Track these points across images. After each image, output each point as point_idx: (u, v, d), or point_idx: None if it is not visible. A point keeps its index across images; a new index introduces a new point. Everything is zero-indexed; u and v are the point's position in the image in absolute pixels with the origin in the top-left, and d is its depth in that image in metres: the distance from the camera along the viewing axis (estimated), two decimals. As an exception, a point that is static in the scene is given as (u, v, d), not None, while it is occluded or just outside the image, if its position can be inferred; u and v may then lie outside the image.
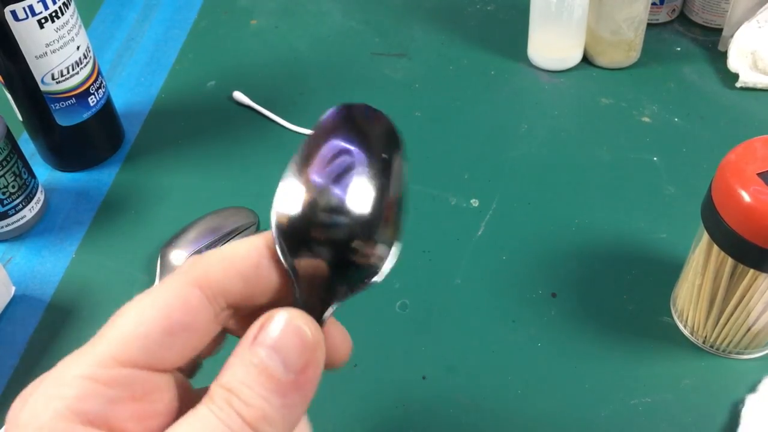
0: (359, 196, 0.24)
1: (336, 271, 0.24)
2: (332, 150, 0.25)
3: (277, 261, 0.24)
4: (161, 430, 0.21)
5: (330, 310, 0.23)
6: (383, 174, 0.25)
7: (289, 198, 0.24)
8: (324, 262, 0.24)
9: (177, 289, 0.22)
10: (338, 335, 0.25)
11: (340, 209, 0.24)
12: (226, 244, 0.24)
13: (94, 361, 0.21)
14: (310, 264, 0.24)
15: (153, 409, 0.22)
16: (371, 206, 0.24)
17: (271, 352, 0.21)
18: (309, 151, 0.25)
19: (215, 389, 0.21)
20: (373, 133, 0.25)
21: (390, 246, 0.24)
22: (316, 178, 0.24)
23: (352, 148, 0.25)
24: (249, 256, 0.23)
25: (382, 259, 0.24)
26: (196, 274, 0.23)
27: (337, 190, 0.24)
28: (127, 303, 0.22)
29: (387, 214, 0.24)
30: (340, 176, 0.24)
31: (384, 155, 0.25)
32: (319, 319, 0.23)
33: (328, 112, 0.25)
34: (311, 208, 0.24)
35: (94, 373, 0.21)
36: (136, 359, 0.21)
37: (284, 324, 0.21)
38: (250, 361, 0.21)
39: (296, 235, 0.24)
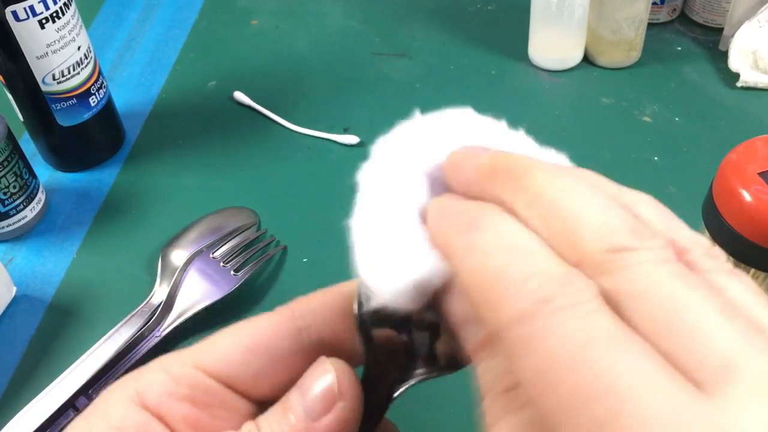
0: None
1: (419, 350, 0.22)
2: None
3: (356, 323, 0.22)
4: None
5: (403, 386, 0.22)
6: None
7: None
8: (407, 336, 0.22)
9: (272, 316, 0.23)
10: None
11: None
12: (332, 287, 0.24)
13: (176, 360, 0.22)
14: (389, 333, 0.22)
15: (212, 424, 0.22)
16: None
17: (297, 395, 0.22)
18: None
19: (247, 425, 0.22)
20: None
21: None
22: None
23: None
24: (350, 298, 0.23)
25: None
26: (298, 305, 0.23)
27: None
28: None
29: None
30: None
31: None
32: (385, 400, 0.22)
33: None
34: None
35: (171, 369, 0.22)
36: (214, 369, 0.22)
37: (318, 371, 0.22)
38: (282, 404, 0.22)
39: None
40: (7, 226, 0.54)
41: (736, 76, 0.62)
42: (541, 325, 0.15)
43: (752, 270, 0.38)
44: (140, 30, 0.73)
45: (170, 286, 0.47)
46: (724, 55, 0.64)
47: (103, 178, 0.59)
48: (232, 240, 0.51)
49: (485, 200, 0.19)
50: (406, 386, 0.22)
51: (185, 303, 0.47)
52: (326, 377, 0.21)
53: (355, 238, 0.22)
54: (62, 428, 0.41)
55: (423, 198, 0.22)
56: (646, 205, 0.19)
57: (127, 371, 0.38)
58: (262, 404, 0.23)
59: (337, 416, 0.21)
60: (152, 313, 0.46)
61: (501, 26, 0.70)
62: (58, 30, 0.51)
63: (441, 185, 0.22)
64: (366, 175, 0.23)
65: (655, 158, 0.57)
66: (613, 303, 0.16)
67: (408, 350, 0.22)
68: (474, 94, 0.64)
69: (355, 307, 0.22)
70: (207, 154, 0.60)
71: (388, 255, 0.21)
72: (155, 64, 0.69)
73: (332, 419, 0.21)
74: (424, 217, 0.21)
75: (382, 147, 0.23)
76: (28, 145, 0.60)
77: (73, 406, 0.42)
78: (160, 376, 0.22)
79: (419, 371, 0.22)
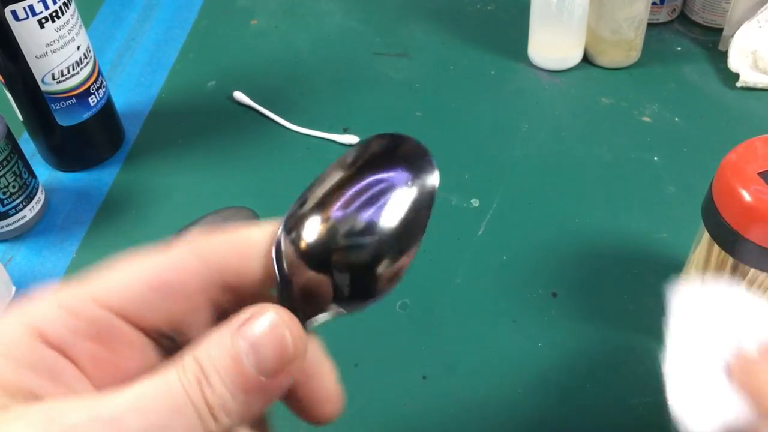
0: (381, 219, 0.23)
1: (336, 288, 0.23)
2: (367, 172, 0.24)
3: (272, 259, 0.23)
4: (115, 383, 0.21)
5: (316, 321, 0.23)
6: (410, 204, 0.24)
7: (309, 205, 0.23)
8: (326, 276, 0.23)
9: (175, 252, 0.22)
10: (327, 390, 0.25)
11: (358, 228, 0.23)
12: (240, 224, 0.24)
13: (72, 295, 0.21)
14: (309, 273, 0.23)
15: (116, 362, 0.21)
16: (389, 232, 0.23)
17: (249, 350, 0.20)
18: (343, 166, 0.24)
19: (189, 360, 0.20)
20: (408, 164, 0.25)
21: (396, 278, 0.23)
22: (345, 193, 0.24)
23: (386, 175, 0.24)
24: (259, 242, 0.23)
25: (386, 285, 0.23)
26: (200, 244, 0.22)
27: (361, 210, 0.23)
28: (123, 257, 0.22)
29: (403, 245, 0.24)
30: (368, 199, 0.24)
31: (414, 187, 0.24)
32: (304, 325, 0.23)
33: (372, 138, 0.25)
34: (328, 219, 0.23)
35: (68, 304, 0.21)
36: (113, 304, 0.21)
37: (270, 326, 0.21)
38: (228, 349, 0.20)
39: (304, 241, 0.23)
40: (7, 226, 0.54)
41: (736, 76, 0.62)
42: None
43: (752, 270, 0.38)
44: (140, 30, 0.73)
45: (169, 285, 0.47)
46: (724, 55, 0.64)
47: (103, 177, 0.59)
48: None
49: None
50: (323, 318, 0.23)
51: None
52: (280, 334, 0.21)
53: (668, 378, 0.29)
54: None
55: (728, 353, 0.28)
56: None
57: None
58: (157, 342, 0.23)
59: (290, 377, 0.21)
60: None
61: (501, 26, 0.70)
62: (58, 30, 0.51)
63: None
64: (676, 326, 0.31)
65: (655, 158, 0.57)
66: None
67: (321, 290, 0.23)
68: (474, 94, 0.64)
69: (273, 250, 0.23)
70: (206, 154, 0.60)
71: (701, 399, 0.27)
72: (155, 63, 0.69)
73: (285, 380, 0.21)
74: (730, 368, 0.28)
75: (686, 304, 0.33)
76: (28, 145, 0.60)
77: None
78: (57, 311, 0.21)
79: (330, 310, 0.23)
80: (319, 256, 0.23)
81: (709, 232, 0.39)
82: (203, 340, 0.21)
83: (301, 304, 0.23)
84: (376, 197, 0.24)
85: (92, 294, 0.21)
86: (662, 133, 0.59)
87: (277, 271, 0.23)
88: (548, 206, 0.54)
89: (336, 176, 0.24)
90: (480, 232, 0.52)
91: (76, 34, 0.53)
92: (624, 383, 0.44)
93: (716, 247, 0.39)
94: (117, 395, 0.19)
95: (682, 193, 0.54)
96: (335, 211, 0.23)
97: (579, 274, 0.49)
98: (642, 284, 0.48)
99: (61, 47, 0.52)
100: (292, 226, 0.23)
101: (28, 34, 0.50)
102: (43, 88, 0.53)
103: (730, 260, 0.38)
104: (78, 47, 0.54)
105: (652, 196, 0.54)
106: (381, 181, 0.24)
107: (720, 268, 0.40)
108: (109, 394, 0.19)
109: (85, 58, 0.55)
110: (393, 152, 0.25)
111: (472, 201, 0.54)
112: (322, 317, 0.23)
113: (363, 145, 0.24)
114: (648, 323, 0.46)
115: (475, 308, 0.48)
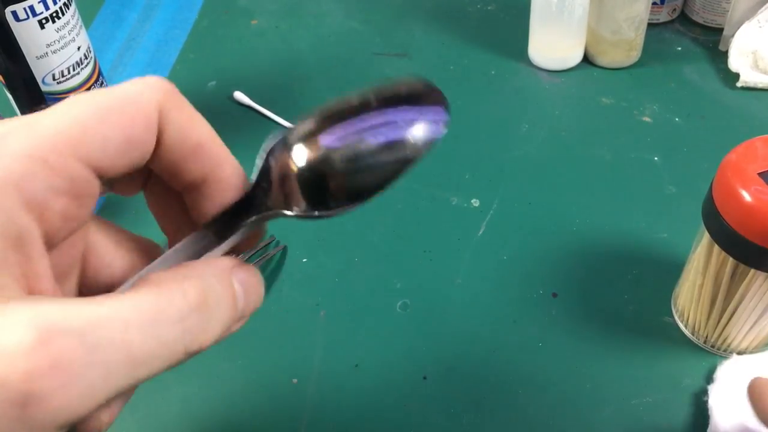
0: (365, 146, 0.25)
1: (302, 190, 0.25)
2: (384, 106, 0.26)
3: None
4: (74, 233, 0.22)
5: (277, 215, 0.24)
6: (399, 151, 0.25)
7: (317, 117, 0.27)
8: (296, 176, 0.25)
9: (141, 105, 0.22)
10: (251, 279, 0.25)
11: (345, 147, 0.25)
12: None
13: (48, 142, 0.20)
14: (289, 169, 0.25)
15: (80, 213, 0.21)
16: (366, 156, 0.25)
17: (242, 294, 0.23)
18: (366, 95, 0.27)
19: (191, 287, 0.21)
20: (417, 105, 0.26)
21: (356, 200, 0.24)
22: (351, 118, 0.26)
23: (395, 117, 0.26)
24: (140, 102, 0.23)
25: (340, 203, 0.24)
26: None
27: (357, 135, 0.25)
28: (83, 94, 0.21)
29: (375, 174, 0.25)
30: (368, 128, 0.25)
31: (414, 131, 0.25)
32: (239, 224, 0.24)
33: (408, 79, 0.27)
34: (322, 131, 0.26)
35: (46, 157, 0.20)
36: (91, 157, 0.21)
37: (255, 277, 0.24)
38: (229, 287, 0.22)
39: (298, 141, 0.25)
40: (7, 226, 0.54)
41: (736, 76, 0.62)
42: None
43: (752, 270, 0.38)
44: (140, 30, 0.73)
45: (170, 286, 0.47)
46: (724, 55, 0.64)
47: (103, 178, 0.59)
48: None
49: None
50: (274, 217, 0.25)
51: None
52: (259, 285, 0.24)
53: None
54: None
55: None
56: None
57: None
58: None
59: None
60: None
61: (501, 26, 0.70)
62: (58, 30, 0.51)
63: None
64: (716, 400, 0.41)
65: (655, 158, 0.57)
66: None
67: (291, 188, 0.25)
68: (474, 94, 0.64)
69: (268, 145, 0.26)
70: (207, 154, 0.60)
71: None
72: (155, 64, 0.69)
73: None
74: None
75: (725, 378, 0.42)
76: (28, 145, 0.60)
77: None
78: (40, 168, 0.20)
79: (292, 210, 0.25)
80: (300, 157, 0.25)
81: (709, 233, 0.39)
82: (198, 267, 0.22)
83: (274, 195, 0.25)
84: (376, 128, 0.25)
85: (70, 142, 0.20)
86: (662, 133, 0.59)
87: (263, 161, 0.25)
88: (548, 206, 0.54)
89: (355, 100, 0.27)
90: (480, 232, 0.52)
91: (77, 35, 0.53)
92: (624, 383, 0.44)
93: (716, 248, 0.39)
94: (116, 301, 0.19)
95: (682, 193, 0.54)
96: (334, 128, 0.26)
97: (579, 274, 0.49)
98: (642, 284, 0.48)
99: (62, 48, 0.52)
100: (295, 129, 0.26)
101: (28, 35, 0.50)
102: (43, 88, 0.53)
103: (731, 260, 0.38)
104: (78, 48, 0.54)
105: (652, 196, 0.54)
106: (389, 118, 0.26)
107: (720, 268, 0.40)
108: (106, 300, 0.19)
109: (86, 58, 0.55)
110: (417, 98, 0.26)
111: (472, 201, 0.54)
112: (287, 213, 0.25)
113: (396, 82, 0.26)
114: (648, 323, 0.46)
115: (475, 308, 0.48)
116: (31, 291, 0.20)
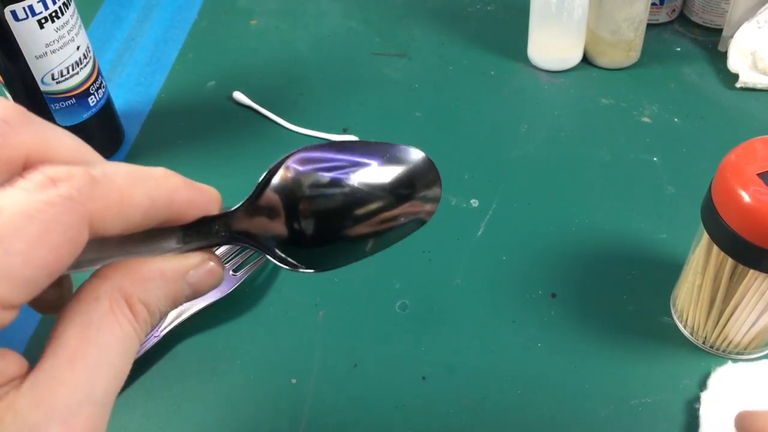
0: (346, 197, 0.26)
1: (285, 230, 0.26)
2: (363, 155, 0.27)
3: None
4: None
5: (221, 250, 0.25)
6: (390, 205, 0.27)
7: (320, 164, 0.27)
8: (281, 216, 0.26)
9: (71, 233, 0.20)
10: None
11: (325, 191, 0.26)
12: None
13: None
14: (273, 207, 0.26)
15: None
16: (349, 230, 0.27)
17: (189, 289, 0.25)
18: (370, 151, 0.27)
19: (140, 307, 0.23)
20: (417, 181, 0.29)
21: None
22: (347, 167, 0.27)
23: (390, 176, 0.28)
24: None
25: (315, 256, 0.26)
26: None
27: (336, 181, 0.26)
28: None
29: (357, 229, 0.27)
30: (352, 178, 0.27)
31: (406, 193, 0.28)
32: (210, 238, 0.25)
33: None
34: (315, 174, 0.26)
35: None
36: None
37: (210, 271, 0.25)
38: (181, 287, 0.24)
39: (291, 182, 0.26)
40: (6, 226, 0.53)
41: (736, 76, 0.62)
42: None
43: (751, 270, 0.38)
44: (139, 30, 0.73)
45: (169, 285, 0.47)
46: (724, 55, 0.64)
47: (102, 178, 0.59)
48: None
49: None
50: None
51: (184, 303, 0.47)
52: (217, 273, 0.26)
53: None
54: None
55: None
56: None
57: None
58: None
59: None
60: (151, 313, 0.46)
61: (500, 26, 0.70)
62: (57, 30, 0.51)
63: None
64: (707, 409, 0.41)
65: (655, 158, 0.57)
66: None
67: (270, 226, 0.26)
68: (473, 95, 0.64)
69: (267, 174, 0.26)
70: (206, 154, 0.60)
71: None
72: (154, 64, 0.69)
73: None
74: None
75: (717, 387, 0.42)
76: (27, 145, 0.60)
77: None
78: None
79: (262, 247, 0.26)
80: (288, 200, 0.26)
81: (708, 233, 0.39)
82: (145, 279, 0.23)
83: (254, 227, 0.25)
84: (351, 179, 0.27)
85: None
86: (662, 133, 0.59)
87: (257, 189, 0.25)
88: (548, 206, 0.54)
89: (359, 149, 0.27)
90: (480, 233, 0.52)
91: (76, 35, 0.53)
92: (624, 383, 0.44)
93: (716, 248, 0.39)
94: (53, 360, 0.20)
95: (681, 194, 0.54)
96: (328, 173, 0.27)
97: (579, 274, 0.49)
98: (642, 284, 0.48)
99: (61, 47, 0.52)
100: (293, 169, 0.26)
101: (27, 35, 0.50)
102: (42, 88, 0.53)
103: (730, 261, 0.38)
104: (77, 47, 0.54)
105: (652, 196, 0.54)
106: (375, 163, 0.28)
107: (720, 268, 0.40)
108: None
109: (85, 58, 0.55)
110: (415, 182, 0.29)
111: (471, 201, 0.54)
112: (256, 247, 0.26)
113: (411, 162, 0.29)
114: (647, 324, 0.46)
115: (474, 308, 0.48)
116: None
